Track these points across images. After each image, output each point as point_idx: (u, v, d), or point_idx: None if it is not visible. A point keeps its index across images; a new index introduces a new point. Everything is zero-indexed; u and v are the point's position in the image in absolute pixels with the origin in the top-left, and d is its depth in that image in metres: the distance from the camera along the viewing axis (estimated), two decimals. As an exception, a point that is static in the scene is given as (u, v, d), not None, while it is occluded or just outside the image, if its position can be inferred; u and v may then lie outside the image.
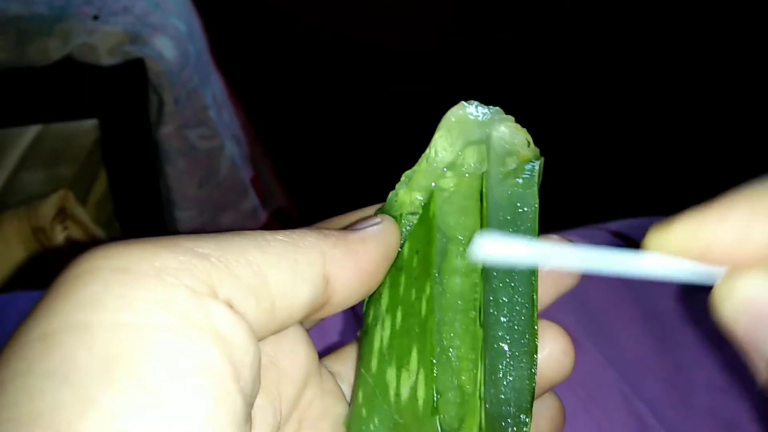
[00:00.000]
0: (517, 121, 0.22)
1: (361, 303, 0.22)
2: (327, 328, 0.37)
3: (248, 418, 0.16)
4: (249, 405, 0.16)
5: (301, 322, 0.21)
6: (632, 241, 0.46)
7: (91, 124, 0.83)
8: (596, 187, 1.31)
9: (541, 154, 0.22)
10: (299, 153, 1.40)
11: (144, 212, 0.88)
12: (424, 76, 1.54)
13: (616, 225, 0.48)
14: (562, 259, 0.19)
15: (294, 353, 0.20)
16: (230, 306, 0.16)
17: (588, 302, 0.41)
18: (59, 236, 0.69)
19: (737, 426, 0.34)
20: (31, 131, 0.84)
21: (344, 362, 0.23)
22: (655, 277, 0.19)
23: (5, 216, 0.68)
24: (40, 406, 0.13)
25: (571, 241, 0.21)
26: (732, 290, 0.18)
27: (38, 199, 0.69)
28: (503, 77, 1.53)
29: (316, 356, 0.21)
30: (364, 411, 0.21)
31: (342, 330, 0.38)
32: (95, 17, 0.79)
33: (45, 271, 0.69)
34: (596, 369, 0.37)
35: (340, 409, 0.21)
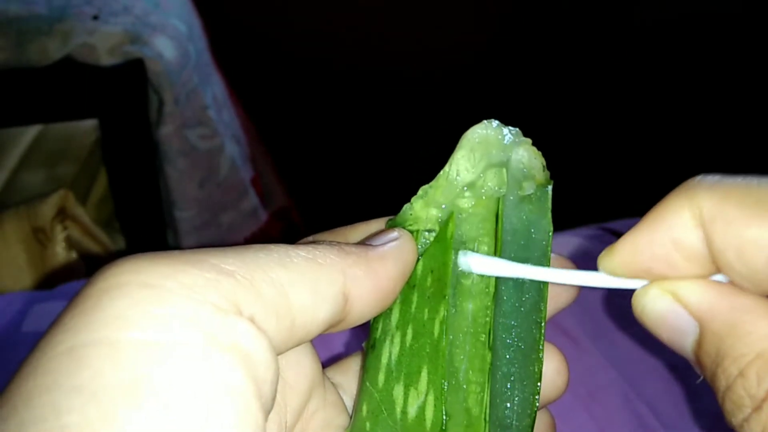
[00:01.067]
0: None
1: None
2: (332, 338, 0.37)
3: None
4: (266, 419, 0.16)
5: None
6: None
7: (91, 124, 0.83)
8: (596, 187, 1.31)
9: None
10: (299, 153, 1.40)
11: (144, 212, 0.88)
12: (424, 77, 1.54)
13: (616, 225, 0.48)
14: (534, 277, 0.21)
15: (300, 365, 0.20)
16: (253, 323, 0.16)
17: (588, 303, 0.41)
18: (59, 236, 0.69)
19: (737, 426, 0.34)
20: (31, 131, 0.84)
21: (346, 374, 0.24)
22: (615, 288, 0.20)
23: (5, 216, 0.68)
24: (66, 422, 0.13)
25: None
26: (645, 306, 0.19)
27: (38, 199, 0.69)
28: (502, 76, 1.53)
29: (321, 368, 0.22)
30: (368, 425, 0.21)
31: (347, 342, 0.38)
32: (95, 17, 0.79)
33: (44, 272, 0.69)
34: (596, 369, 0.37)
35: (341, 421, 0.22)
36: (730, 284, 0.18)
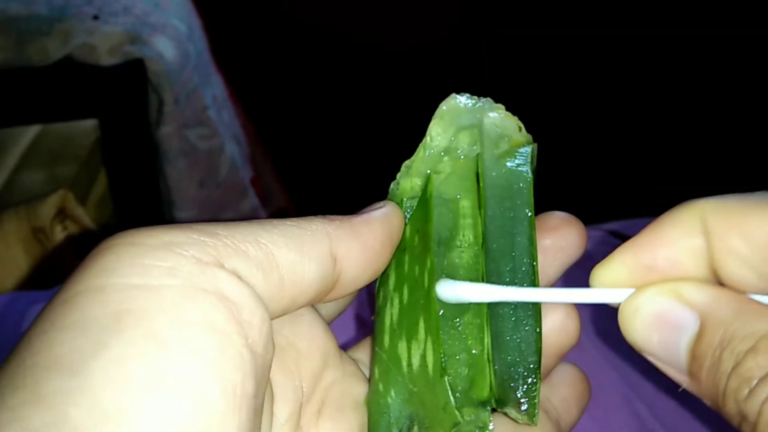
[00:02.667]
0: (520, 116, 0.23)
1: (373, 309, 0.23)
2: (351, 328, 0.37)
3: (260, 380, 0.17)
4: (260, 366, 0.17)
5: (318, 312, 0.22)
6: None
7: (91, 124, 0.83)
8: (596, 187, 1.31)
9: (542, 154, 0.23)
10: (299, 153, 1.40)
11: (144, 212, 0.88)
12: (424, 77, 1.54)
13: (615, 225, 0.48)
14: (520, 299, 0.21)
15: (311, 335, 0.21)
16: (236, 275, 0.17)
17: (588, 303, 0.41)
18: (59, 236, 0.69)
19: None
20: (31, 131, 0.84)
21: (366, 351, 0.24)
22: (604, 303, 0.20)
23: (5, 216, 0.68)
24: (58, 352, 0.15)
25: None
26: (639, 308, 0.19)
27: (38, 199, 0.69)
28: (503, 77, 1.53)
29: (334, 340, 0.22)
30: (380, 386, 0.22)
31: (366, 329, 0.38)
32: (95, 17, 0.79)
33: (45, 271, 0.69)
34: (596, 369, 0.37)
35: (361, 390, 0.22)
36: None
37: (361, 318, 0.37)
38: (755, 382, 0.16)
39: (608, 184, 1.33)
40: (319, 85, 1.53)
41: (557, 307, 0.22)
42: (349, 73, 1.56)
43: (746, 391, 0.16)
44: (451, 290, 0.21)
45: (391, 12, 1.59)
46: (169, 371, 0.15)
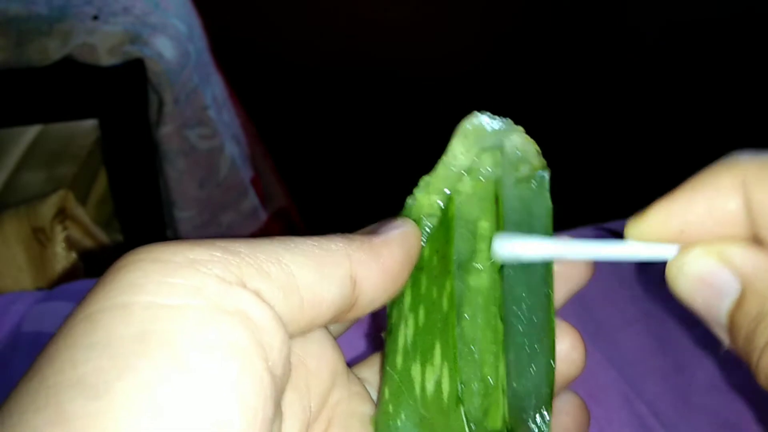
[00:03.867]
0: (520, 119, 0.23)
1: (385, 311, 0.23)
2: (357, 341, 0.37)
3: (277, 402, 0.17)
4: (278, 389, 0.17)
5: (328, 328, 0.22)
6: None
7: (91, 124, 0.83)
8: (596, 187, 1.31)
9: (542, 153, 0.23)
10: (299, 153, 1.40)
11: (144, 212, 0.88)
12: (424, 78, 1.54)
13: (616, 225, 0.48)
14: (563, 251, 0.21)
15: (321, 354, 0.21)
16: (258, 296, 0.17)
17: (588, 302, 0.41)
18: (59, 236, 0.69)
19: (737, 426, 0.34)
20: (31, 131, 0.84)
21: (371, 368, 0.24)
22: (640, 260, 0.20)
23: (5, 216, 0.68)
24: (82, 371, 0.15)
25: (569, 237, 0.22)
26: (683, 267, 0.19)
27: (38, 199, 0.69)
28: (500, 79, 1.53)
29: (343, 359, 0.22)
30: (390, 407, 0.21)
31: (372, 344, 0.38)
32: (95, 17, 0.79)
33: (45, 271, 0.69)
34: (596, 369, 0.37)
35: (367, 409, 0.22)
36: None
37: (367, 330, 0.37)
38: None
39: (608, 184, 1.33)
40: (320, 85, 1.53)
41: (563, 337, 0.22)
42: (349, 72, 1.56)
43: None
44: (509, 247, 0.21)
45: (391, 11, 1.59)
46: (192, 396, 0.15)
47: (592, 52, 1.56)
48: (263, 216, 1.02)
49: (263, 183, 1.06)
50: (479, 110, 0.23)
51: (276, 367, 0.17)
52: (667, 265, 0.19)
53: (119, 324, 0.16)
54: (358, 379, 0.23)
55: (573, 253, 0.21)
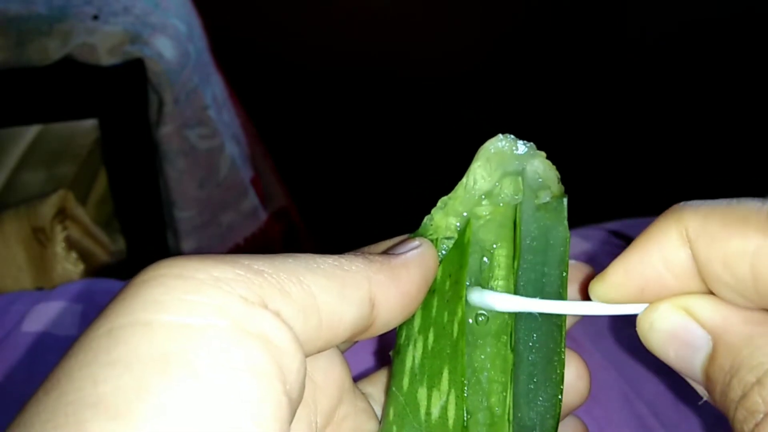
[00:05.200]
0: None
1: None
2: (363, 355, 0.37)
3: (290, 423, 0.17)
4: (293, 411, 0.17)
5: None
6: (631, 241, 0.46)
7: (91, 124, 0.83)
8: (596, 187, 1.31)
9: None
10: (299, 153, 1.40)
11: (144, 212, 0.88)
12: (423, 78, 1.54)
13: (615, 225, 0.48)
14: (534, 307, 0.21)
15: (329, 370, 0.21)
16: (279, 317, 0.17)
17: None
18: (59, 236, 0.69)
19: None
20: (31, 131, 0.84)
21: (376, 385, 0.24)
22: (611, 315, 0.20)
23: (5, 216, 0.68)
24: (102, 390, 0.15)
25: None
26: (653, 324, 0.19)
27: (38, 199, 0.69)
28: (499, 82, 1.53)
29: (350, 376, 0.22)
30: (394, 428, 0.21)
31: (378, 358, 0.38)
32: (95, 17, 0.79)
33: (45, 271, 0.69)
34: (596, 369, 0.37)
35: (371, 427, 0.22)
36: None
37: (374, 346, 0.37)
38: (760, 416, 0.16)
39: (608, 184, 1.33)
40: (319, 85, 1.53)
41: (569, 366, 0.22)
42: (349, 72, 1.56)
43: (752, 424, 0.16)
44: (479, 297, 0.21)
45: (392, 11, 1.59)
46: (211, 419, 0.15)
47: (591, 51, 1.56)
48: (263, 216, 1.02)
49: (263, 183, 1.06)
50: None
51: (293, 391, 0.17)
52: (637, 322, 0.19)
53: (140, 342, 0.15)
54: (363, 394, 0.23)
55: (544, 310, 0.21)
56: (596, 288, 0.20)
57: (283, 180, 1.14)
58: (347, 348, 0.24)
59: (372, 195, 1.34)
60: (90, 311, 0.40)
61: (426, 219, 0.23)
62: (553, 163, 0.23)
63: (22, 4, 0.80)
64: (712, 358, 0.18)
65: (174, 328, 0.16)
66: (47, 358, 0.37)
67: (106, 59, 0.77)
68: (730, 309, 0.18)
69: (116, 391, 0.15)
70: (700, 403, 0.19)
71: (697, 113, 1.45)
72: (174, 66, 0.80)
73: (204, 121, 0.87)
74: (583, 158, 1.36)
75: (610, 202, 1.23)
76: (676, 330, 0.18)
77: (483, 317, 0.22)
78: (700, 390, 0.19)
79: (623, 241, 0.45)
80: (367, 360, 0.37)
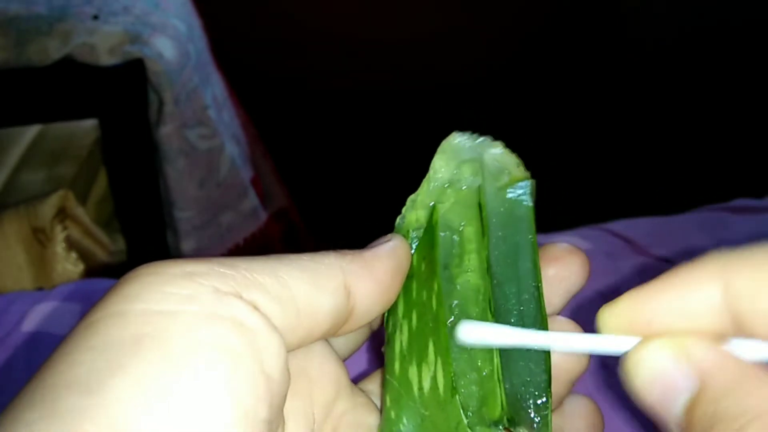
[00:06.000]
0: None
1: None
2: (361, 360, 0.37)
3: (275, 406, 0.17)
4: (275, 393, 0.17)
5: (331, 344, 0.23)
6: (631, 241, 0.46)
7: (91, 124, 0.83)
8: (596, 187, 1.31)
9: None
10: (299, 154, 1.40)
11: (144, 212, 0.88)
12: (422, 77, 1.54)
13: (615, 225, 0.48)
14: (525, 340, 0.20)
15: (323, 364, 0.22)
16: (254, 306, 0.18)
17: (587, 301, 0.41)
18: (59, 236, 0.69)
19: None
20: (31, 131, 0.84)
21: (375, 382, 0.25)
22: (602, 354, 0.19)
23: (5, 216, 0.68)
24: (78, 371, 0.16)
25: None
26: (640, 362, 0.18)
27: (38, 199, 0.69)
28: (498, 84, 1.53)
29: (346, 372, 0.23)
30: (392, 413, 0.22)
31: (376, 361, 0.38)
32: (95, 17, 0.79)
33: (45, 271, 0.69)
34: (596, 369, 0.37)
35: (373, 420, 0.23)
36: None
37: (373, 353, 0.37)
38: None
39: (608, 184, 1.33)
40: (319, 85, 1.53)
41: (581, 417, 0.22)
42: (349, 72, 1.56)
43: None
44: (472, 332, 0.20)
45: (392, 11, 1.59)
46: (183, 391, 0.15)
47: (591, 55, 1.56)
48: (263, 216, 1.02)
49: (263, 183, 1.06)
50: (461, 128, 0.24)
51: (272, 371, 0.17)
52: (624, 359, 0.18)
53: (115, 329, 0.16)
54: (363, 391, 0.24)
55: (536, 343, 0.20)
56: (604, 313, 0.19)
57: (283, 180, 1.14)
58: (349, 354, 0.24)
59: (372, 195, 1.34)
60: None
61: (398, 219, 0.24)
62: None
63: (22, 4, 0.80)
64: (696, 402, 0.17)
65: (146, 314, 0.17)
66: (47, 358, 0.37)
67: (106, 59, 0.77)
68: (724, 353, 0.17)
69: (90, 371, 0.15)
70: None
71: (696, 115, 1.45)
72: (174, 66, 0.80)
73: (204, 121, 0.87)
74: (583, 159, 1.36)
75: (610, 202, 1.23)
76: (662, 369, 0.18)
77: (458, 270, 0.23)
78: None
79: (622, 241, 0.46)
80: (366, 366, 0.37)
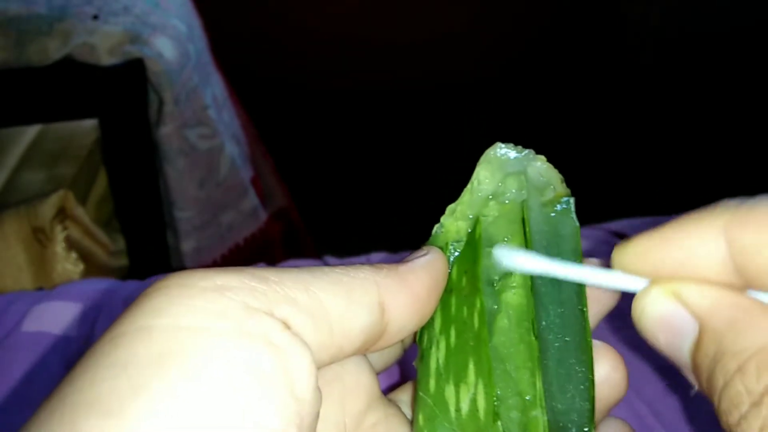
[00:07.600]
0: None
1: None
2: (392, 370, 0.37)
3: (307, 429, 0.17)
4: (306, 414, 0.16)
5: (367, 359, 0.22)
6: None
7: (91, 124, 0.83)
8: (596, 187, 1.31)
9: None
10: (299, 153, 1.40)
11: (144, 212, 0.88)
12: (422, 77, 1.54)
13: (616, 225, 0.48)
14: (550, 269, 0.21)
15: (358, 374, 0.21)
16: (286, 325, 0.17)
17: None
18: (59, 236, 0.69)
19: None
20: (31, 131, 0.84)
21: (407, 392, 0.24)
22: (617, 289, 0.20)
23: (5, 216, 0.68)
24: (98, 390, 0.15)
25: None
26: (645, 308, 0.18)
27: (38, 199, 0.69)
28: (498, 86, 1.53)
29: (379, 385, 0.22)
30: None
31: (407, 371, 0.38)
32: (95, 17, 0.79)
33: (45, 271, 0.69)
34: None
35: (404, 431, 0.22)
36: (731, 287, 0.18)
37: (403, 366, 0.37)
38: (745, 408, 0.15)
39: (608, 184, 1.33)
40: (319, 85, 1.53)
41: (603, 359, 0.22)
42: (349, 72, 1.56)
43: (737, 416, 0.16)
44: (506, 255, 0.21)
45: (392, 10, 1.59)
46: (206, 416, 0.15)
47: (592, 57, 1.56)
48: (263, 216, 1.02)
49: (263, 183, 1.06)
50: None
51: (302, 392, 0.16)
52: (633, 304, 0.19)
53: (139, 345, 0.16)
54: (394, 403, 0.23)
55: (560, 273, 0.21)
56: (618, 252, 0.19)
57: (283, 180, 1.14)
58: (383, 369, 0.24)
59: (372, 195, 1.34)
60: (90, 311, 0.40)
61: (435, 228, 0.23)
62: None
63: (22, 4, 0.80)
64: (698, 344, 0.17)
65: (172, 330, 0.16)
66: (47, 358, 0.37)
67: (106, 59, 0.77)
68: (721, 294, 0.17)
69: (111, 391, 0.15)
70: (692, 393, 0.18)
71: (696, 115, 1.45)
72: (174, 66, 0.80)
73: (204, 121, 0.87)
74: (583, 159, 1.36)
75: (610, 202, 1.23)
76: (665, 315, 0.18)
77: (502, 283, 0.22)
78: (692, 379, 0.18)
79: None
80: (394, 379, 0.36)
